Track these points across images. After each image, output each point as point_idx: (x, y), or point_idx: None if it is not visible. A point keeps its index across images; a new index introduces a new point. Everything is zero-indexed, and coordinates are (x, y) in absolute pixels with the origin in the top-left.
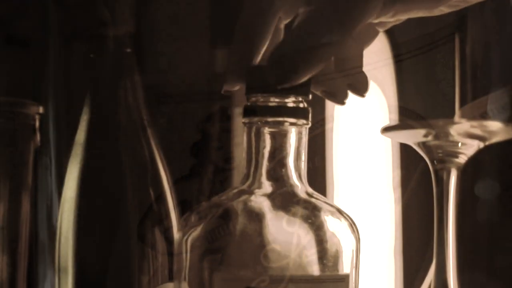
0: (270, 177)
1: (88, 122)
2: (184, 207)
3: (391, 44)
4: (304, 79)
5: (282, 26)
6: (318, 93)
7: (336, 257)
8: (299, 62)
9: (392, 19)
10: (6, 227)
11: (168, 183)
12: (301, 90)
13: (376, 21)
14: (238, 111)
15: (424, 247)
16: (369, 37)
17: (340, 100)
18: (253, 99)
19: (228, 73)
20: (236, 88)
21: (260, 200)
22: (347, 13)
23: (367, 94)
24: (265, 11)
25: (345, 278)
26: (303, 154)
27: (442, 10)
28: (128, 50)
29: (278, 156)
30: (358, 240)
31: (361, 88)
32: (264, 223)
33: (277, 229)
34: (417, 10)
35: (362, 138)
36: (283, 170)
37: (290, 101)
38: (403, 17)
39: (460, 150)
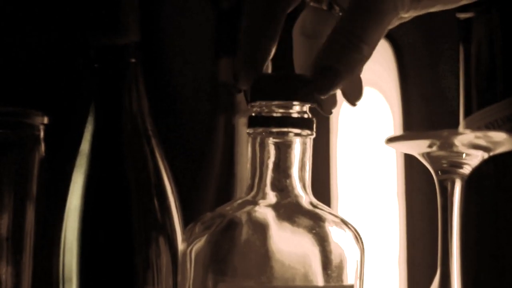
0: (274, 187)
1: (92, 132)
2: (188, 217)
3: (395, 54)
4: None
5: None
6: None
7: (341, 268)
8: (341, 68)
9: (419, 13)
10: (11, 238)
11: (173, 193)
12: (305, 96)
13: (405, 15)
14: (242, 121)
15: (429, 257)
16: None
17: (327, 110)
18: (258, 109)
19: (241, 75)
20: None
21: (265, 211)
22: (377, 12)
23: (371, 105)
24: (275, 7)
25: None
26: (308, 164)
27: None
28: (133, 60)
29: (282, 166)
30: (362, 250)
31: (352, 95)
32: (269, 233)
33: (282, 239)
34: (443, 4)
35: (367, 148)
36: (288, 180)
37: (294, 112)
38: (430, 10)
39: (464, 161)
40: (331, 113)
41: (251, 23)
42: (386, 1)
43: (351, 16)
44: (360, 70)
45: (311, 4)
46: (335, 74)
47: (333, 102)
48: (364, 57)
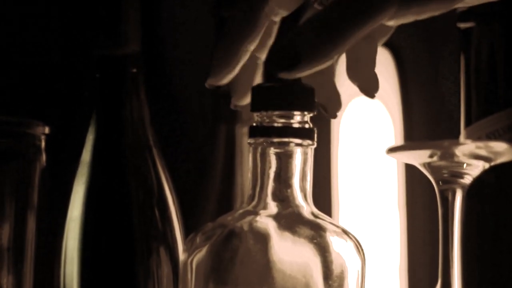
0: (275, 197)
1: (93, 141)
2: (190, 227)
3: (396, 63)
4: (305, 73)
5: (277, 19)
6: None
7: (342, 278)
8: (302, 53)
9: (406, 20)
10: (12, 248)
11: (174, 203)
12: (306, 105)
13: (390, 22)
14: (243, 131)
15: (429, 267)
16: (382, 35)
17: (332, 113)
18: (259, 119)
19: (212, 71)
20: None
21: (266, 221)
22: (360, 14)
23: (372, 114)
24: (256, 10)
25: None
26: (309, 174)
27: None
28: (134, 69)
29: (283, 176)
30: (363, 260)
31: (370, 88)
32: (270, 243)
33: (283, 249)
34: (433, 11)
35: (367, 158)
36: (289, 190)
37: (295, 122)
38: (419, 17)
39: (465, 171)
40: (336, 116)
41: (231, 24)
42: (371, 5)
43: (333, 11)
44: (371, 68)
45: (315, 6)
46: (294, 58)
47: (337, 105)
48: (330, 56)
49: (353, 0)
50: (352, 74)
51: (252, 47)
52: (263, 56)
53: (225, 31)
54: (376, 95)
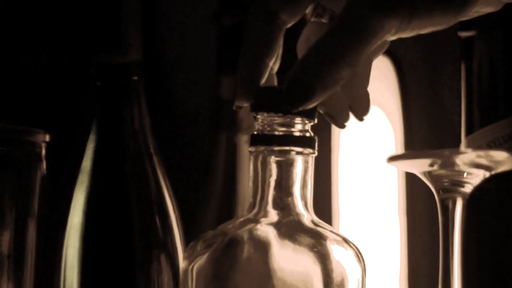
0: (276, 206)
1: (94, 149)
2: (190, 235)
3: (397, 71)
4: (319, 101)
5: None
6: (320, 111)
7: (342, 286)
8: (316, 84)
9: (408, 35)
10: (12, 255)
11: (174, 211)
12: (307, 113)
13: (393, 37)
14: (244, 138)
15: (430, 275)
16: (378, 48)
17: (340, 123)
18: (260, 127)
19: (238, 91)
20: (246, 104)
21: (266, 229)
22: (363, 33)
23: (373, 122)
24: (270, 24)
25: None
26: (310, 183)
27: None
28: (135, 77)
29: (284, 185)
30: (364, 269)
31: (360, 110)
32: (270, 252)
33: (283, 258)
34: (434, 26)
35: (368, 166)
36: (289, 199)
37: (296, 130)
38: (421, 32)
39: (466, 180)
40: (344, 126)
41: (248, 41)
42: (373, 23)
43: (335, 33)
44: (363, 86)
45: (312, 20)
46: (309, 90)
47: (346, 116)
48: (342, 77)
49: (353, 22)
50: (346, 91)
51: (271, 62)
52: (275, 66)
53: (243, 50)
54: (375, 103)
